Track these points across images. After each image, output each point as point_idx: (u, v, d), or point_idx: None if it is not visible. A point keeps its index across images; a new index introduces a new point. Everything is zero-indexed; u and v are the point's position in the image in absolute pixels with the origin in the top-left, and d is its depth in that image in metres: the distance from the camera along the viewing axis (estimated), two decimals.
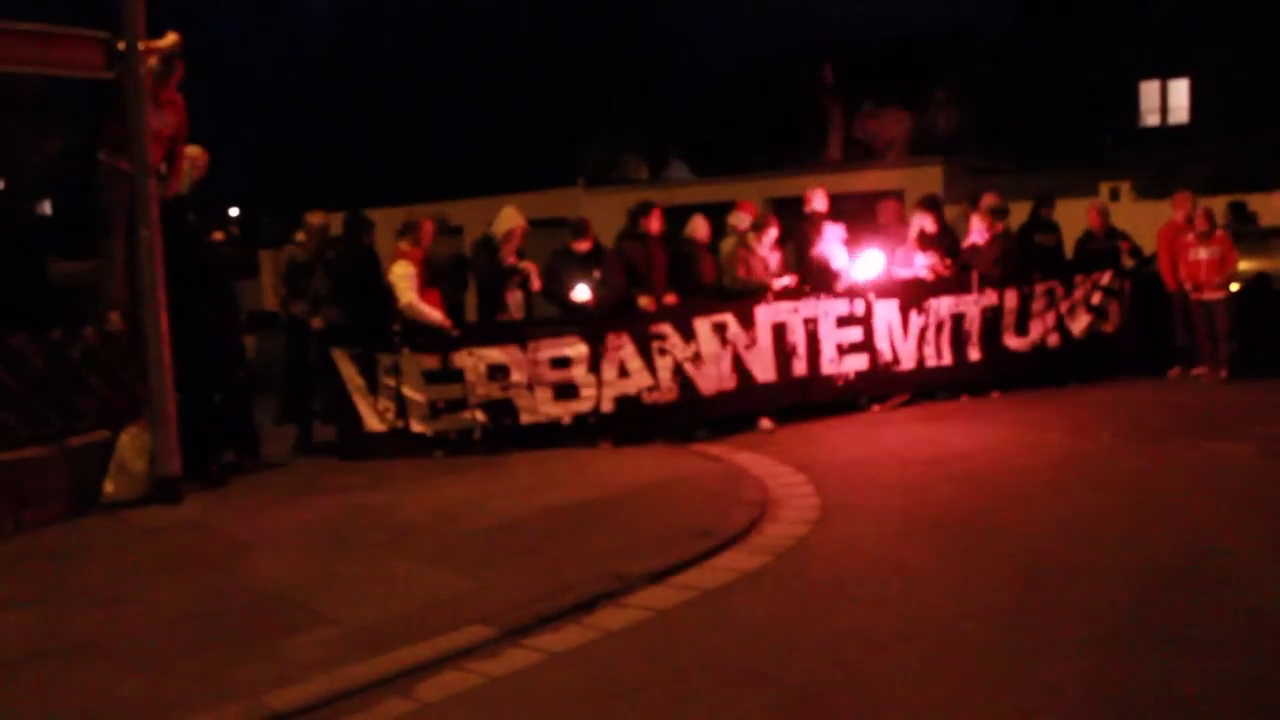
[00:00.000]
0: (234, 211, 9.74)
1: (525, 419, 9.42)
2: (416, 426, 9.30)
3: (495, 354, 9.35)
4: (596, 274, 9.99)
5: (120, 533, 7.16)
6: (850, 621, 5.18)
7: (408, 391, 9.25)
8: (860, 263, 10.94)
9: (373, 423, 9.30)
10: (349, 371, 9.26)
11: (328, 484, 8.43)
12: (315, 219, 10.04)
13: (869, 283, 10.88)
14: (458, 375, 9.32)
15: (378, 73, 38.52)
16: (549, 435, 9.40)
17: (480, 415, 9.36)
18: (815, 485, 7.84)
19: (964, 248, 11.77)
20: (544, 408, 9.47)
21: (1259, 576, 5.61)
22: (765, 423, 10.21)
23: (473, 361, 9.31)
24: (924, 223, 11.65)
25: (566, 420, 9.52)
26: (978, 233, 11.77)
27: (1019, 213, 12.81)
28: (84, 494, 7.58)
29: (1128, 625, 5.00)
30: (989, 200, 12.18)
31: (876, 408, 10.86)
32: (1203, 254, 11.71)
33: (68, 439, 7.63)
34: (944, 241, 11.67)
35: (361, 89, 38.46)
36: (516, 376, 9.37)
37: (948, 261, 11.42)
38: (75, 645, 5.14)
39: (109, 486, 7.71)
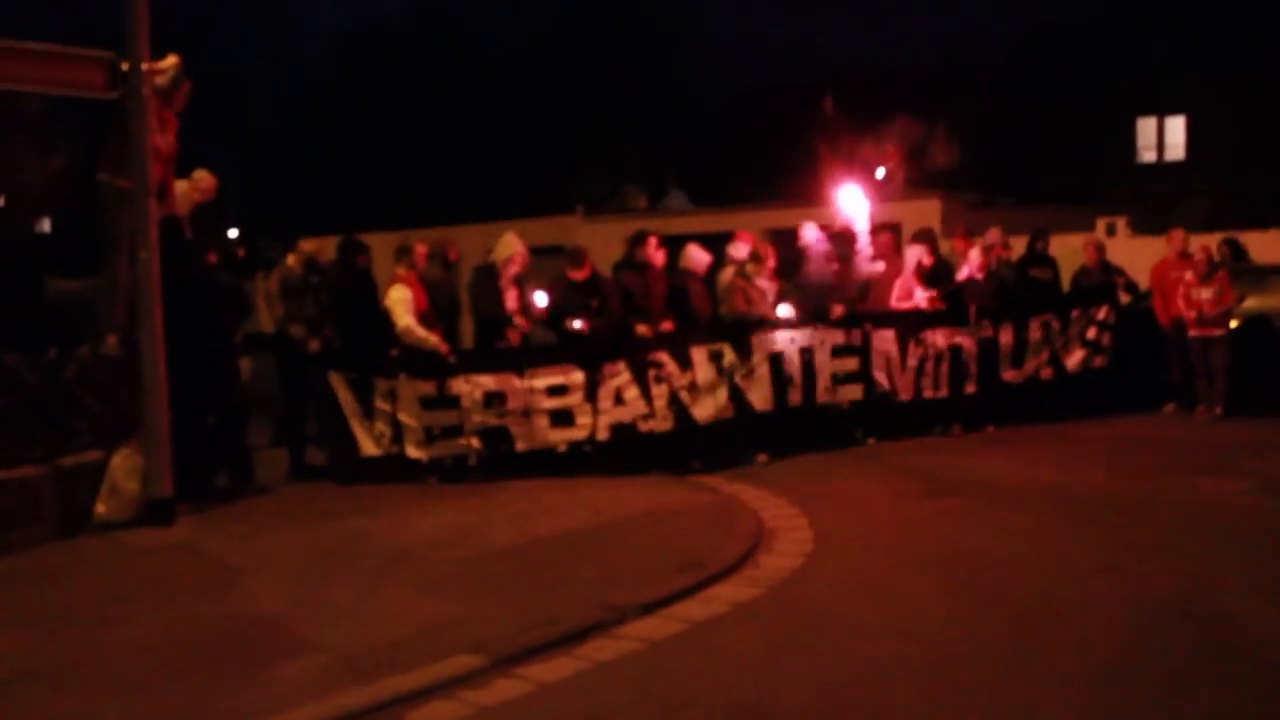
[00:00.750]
0: (233, 233, 9.76)
1: (521, 446, 9.39)
2: (412, 452, 9.28)
3: (491, 381, 9.33)
4: (594, 303, 10.00)
5: (110, 555, 7.12)
6: (842, 655, 5.14)
7: (403, 417, 9.23)
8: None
9: (368, 447, 9.28)
10: (345, 395, 9.25)
11: (320, 509, 8.39)
12: (308, 245, 10.07)
13: (867, 312, 10.89)
14: (454, 402, 9.30)
15: (380, 101, 38.69)
16: (544, 463, 9.37)
17: (475, 442, 9.34)
18: (809, 518, 7.81)
19: (961, 281, 11.79)
20: (540, 435, 9.44)
21: (1255, 614, 5.59)
22: (761, 456, 10.20)
23: (469, 388, 9.29)
24: (920, 255, 11.68)
25: (562, 448, 9.49)
26: (974, 266, 11.80)
27: (1016, 247, 12.87)
28: (75, 515, 7.54)
29: (1124, 662, 4.97)
30: (989, 235, 12.24)
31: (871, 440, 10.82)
32: (1204, 293, 11.73)
33: (60, 459, 7.60)
34: (940, 274, 11.71)
35: (365, 115, 38.64)
36: (513, 404, 9.35)
37: (936, 294, 11.42)
38: (61, 669, 5.09)
39: (100, 507, 7.67)
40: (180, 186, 9.22)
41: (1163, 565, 6.48)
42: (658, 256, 10.57)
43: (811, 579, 6.43)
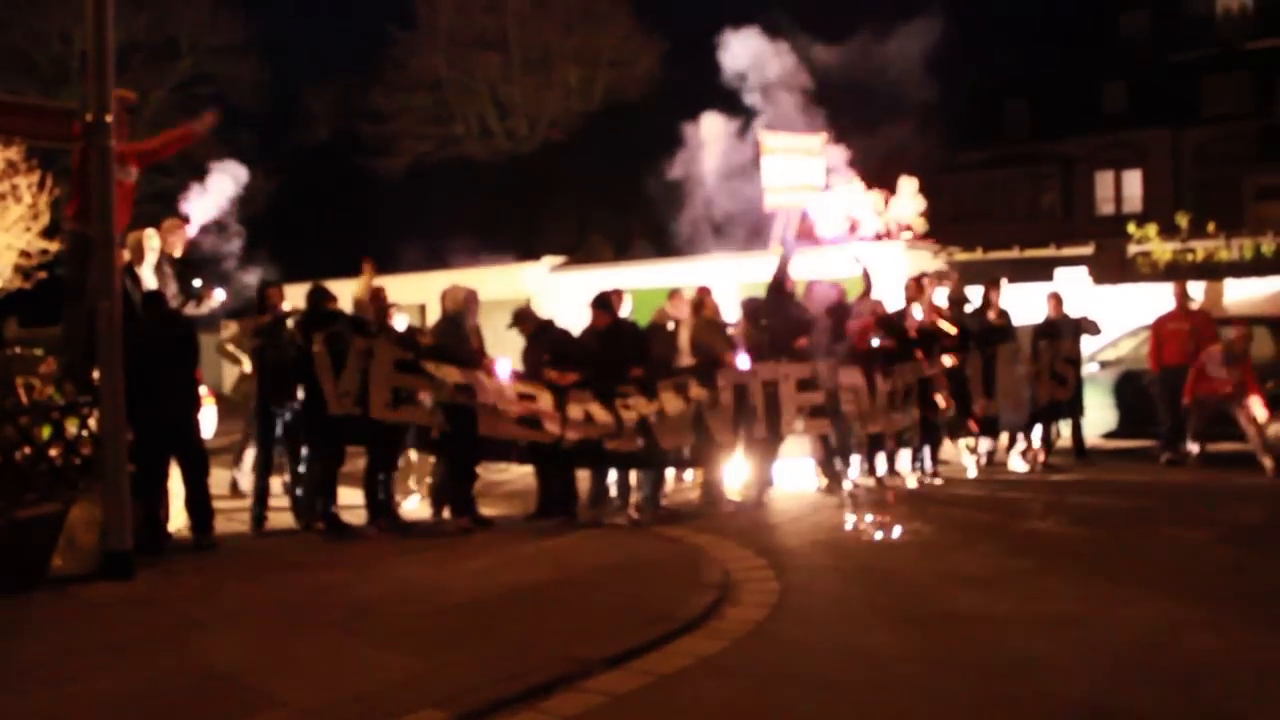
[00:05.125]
0: (197, 283, 9.65)
1: (484, 430, 9.43)
2: (377, 413, 9.21)
3: (463, 375, 9.41)
4: (546, 357, 10.03)
5: (67, 609, 6.99)
6: (808, 709, 5.13)
7: (374, 375, 9.17)
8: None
9: (333, 405, 9.18)
10: (319, 350, 9.14)
11: (283, 562, 8.31)
12: (275, 294, 10.01)
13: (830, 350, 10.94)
14: (427, 375, 9.34)
15: (345, 147, 38.77)
16: (507, 451, 9.66)
17: (440, 414, 9.40)
18: (775, 569, 7.82)
19: (915, 327, 11.88)
20: (504, 429, 9.51)
21: (1222, 665, 5.64)
22: (727, 505, 10.21)
23: (443, 373, 9.35)
24: (876, 305, 11.80)
25: (525, 443, 9.63)
26: (925, 311, 11.93)
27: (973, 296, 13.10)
28: (32, 568, 7.40)
29: (1092, 716, 4.99)
30: (945, 283, 12.48)
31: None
32: (1223, 372, 11.77)
33: (16, 511, 7.47)
34: (896, 322, 11.81)
35: (330, 162, 38.69)
36: (482, 397, 9.41)
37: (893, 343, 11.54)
38: None
39: (58, 561, 7.55)
40: (145, 233, 9.26)
41: (1133, 616, 6.52)
42: (618, 312, 10.62)
43: (777, 632, 6.42)
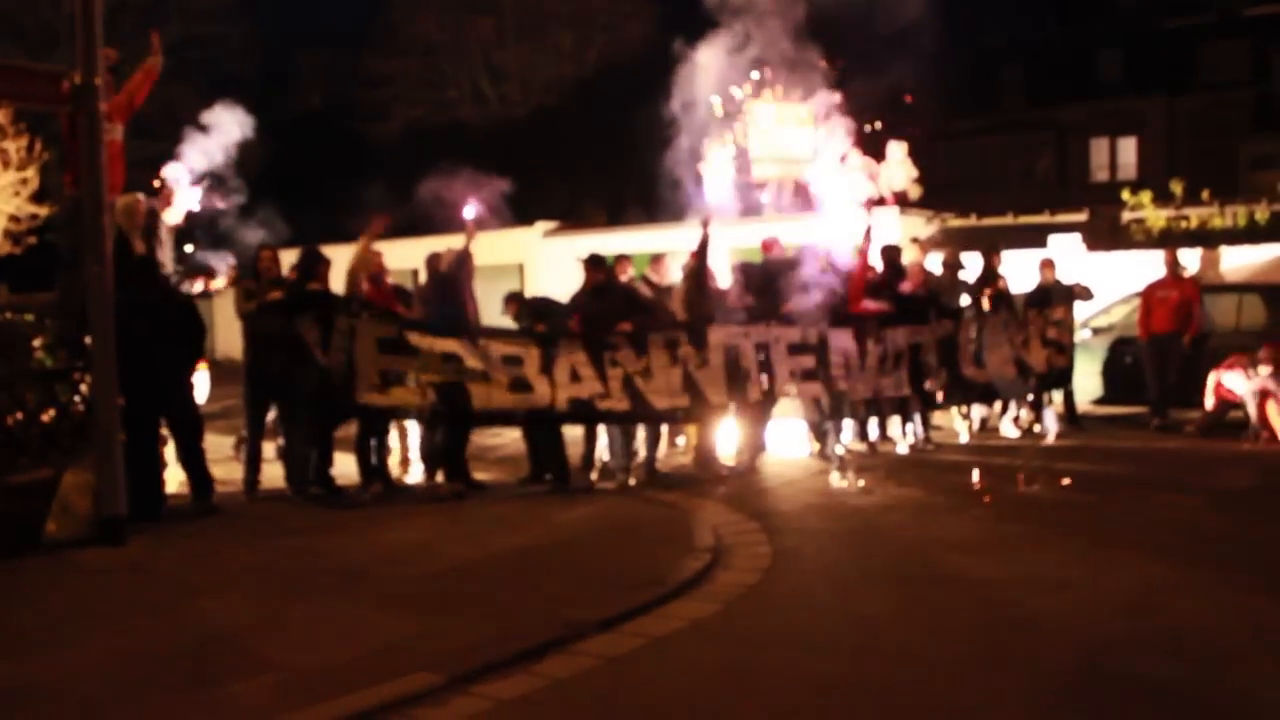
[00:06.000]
0: (189, 248, 9.60)
1: (478, 403, 9.42)
2: (364, 397, 9.15)
3: (447, 344, 9.39)
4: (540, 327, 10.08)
5: (61, 574, 7.01)
6: (800, 671, 5.17)
7: (359, 357, 9.11)
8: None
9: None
10: (308, 324, 9.10)
11: (276, 527, 8.33)
12: (269, 256, 9.94)
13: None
14: (412, 350, 9.29)
15: (337, 111, 38.52)
16: (502, 419, 9.76)
17: (431, 394, 9.32)
18: (767, 533, 7.85)
19: (903, 293, 11.84)
20: (498, 398, 9.48)
21: (1206, 630, 5.68)
22: (720, 469, 10.24)
23: (426, 343, 9.31)
24: (870, 269, 11.75)
25: (521, 411, 9.61)
26: (915, 282, 11.87)
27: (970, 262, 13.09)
28: (25, 534, 7.41)
29: (1082, 677, 5.03)
30: (940, 251, 12.48)
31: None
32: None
33: (9, 476, 7.47)
34: (884, 287, 11.77)
35: (321, 127, 38.45)
36: (471, 363, 9.39)
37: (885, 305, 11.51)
38: (10, 691, 5.00)
39: (51, 526, 7.55)
40: (138, 198, 9.18)
41: (1122, 580, 6.56)
42: (613, 276, 10.64)
43: (769, 595, 6.46)
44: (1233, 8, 38.46)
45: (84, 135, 7.66)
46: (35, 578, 6.94)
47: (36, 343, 8.34)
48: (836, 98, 11.49)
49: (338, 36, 39.92)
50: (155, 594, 6.54)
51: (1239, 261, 15.61)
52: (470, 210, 10.04)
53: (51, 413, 7.78)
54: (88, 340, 7.72)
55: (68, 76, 7.61)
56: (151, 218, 9.30)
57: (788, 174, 11.76)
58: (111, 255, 7.67)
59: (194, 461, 8.70)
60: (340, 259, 9.79)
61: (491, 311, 10.90)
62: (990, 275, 12.72)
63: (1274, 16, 37.16)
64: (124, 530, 7.58)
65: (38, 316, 8.66)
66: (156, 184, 9.53)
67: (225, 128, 9.67)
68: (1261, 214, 17.11)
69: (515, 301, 10.65)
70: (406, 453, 10.79)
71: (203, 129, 9.65)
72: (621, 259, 10.85)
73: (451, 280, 10.05)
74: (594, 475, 10.16)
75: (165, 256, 9.36)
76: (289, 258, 9.93)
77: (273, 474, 9.69)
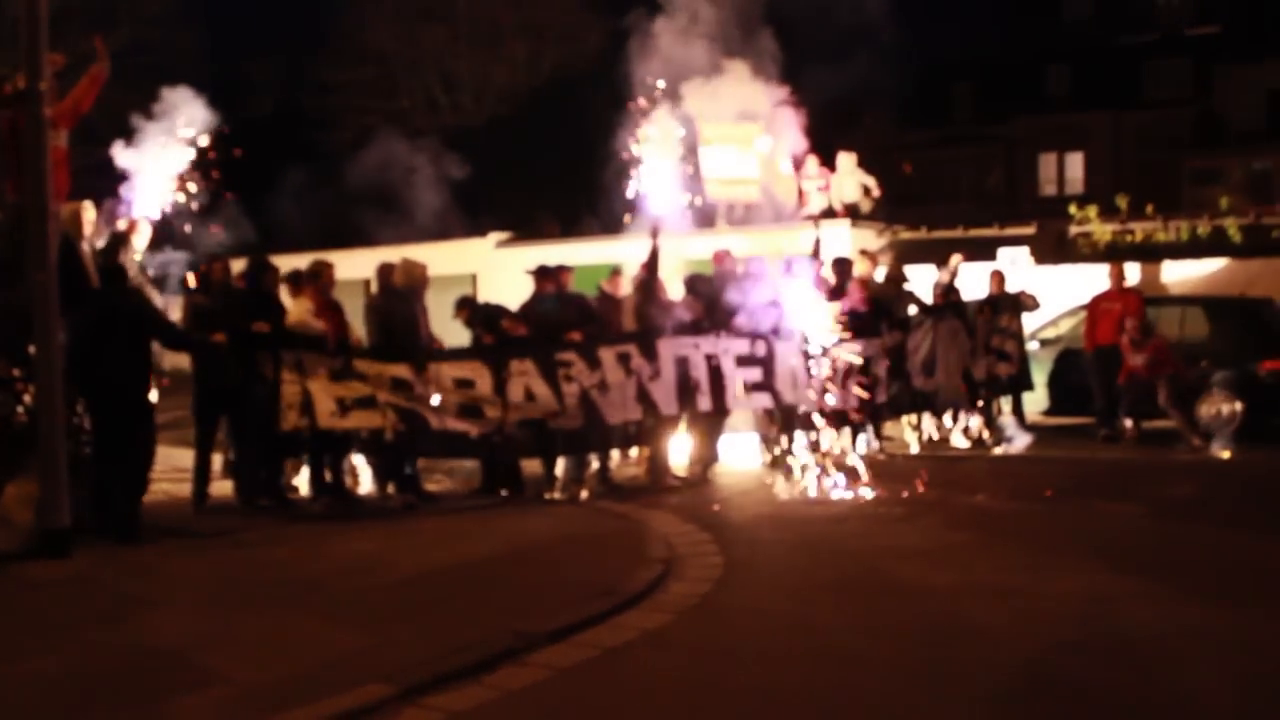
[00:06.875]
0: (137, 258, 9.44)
1: (435, 425, 9.34)
2: (325, 423, 8.97)
3: (395, 369, 9.28)
4: (487, 339, 10.06)
5: (2, 588, 6.88)
6: (751, 681, 5.19)
7: (313, 386, 8.94)
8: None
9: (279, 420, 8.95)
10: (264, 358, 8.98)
11: (226, 539, 8.22)
12: (219, 268, 9.84)
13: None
14: (363, 375, 9.18)
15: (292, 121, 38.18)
16: (459, 445, 9.58)
17: (391, 415, 9.19)
18: (719, 543, 7.87)
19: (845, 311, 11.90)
20: (450, 423, 9.40)
21: (1150, 636, 5.78)
22: (672, 481, 10.26)
23: (375, 371, 9.20)
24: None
25: (474, 434, 9.53)
26: (855, 300, 11.90)
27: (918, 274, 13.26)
28: None
29: (1028, 684, 5.10)
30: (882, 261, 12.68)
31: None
32: (1138, 359, 12.03)
33: None
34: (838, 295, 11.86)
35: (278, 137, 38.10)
36: (419, 390, 9.30)
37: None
38: None
39: None
40: (83, 205, 9.02)
41: (1068, 588, 6.65)
42: (563, 286, 10.65)
43: (721, 605, 6.48)
44: (1176, 27, 39.30)
45: (28, 141, 7.55)
46: None
47: None
48: (789, 111, 11.56)
49: (290, 44, 39.54)
50: (99, 607, 6.43)
51: (1181, 275, 15.91)
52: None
53: None
54: (31, 349, 7.59)
55: (11, 81, 7.50)
56: (118, 239, 9.15)
57: (738, 196, 11.85)
58: (55, 263, 7.55)
59: (144, 474, 8.40)
60: (287, 266, 9.70)
61: (442, 320, 10.81)
62: (950, 285, 12.92)
63: (1215, 36, 38.03)
64: (68, 543, 7.44)
65: None
66: (122, 224, 9.37)
67: (180, 118, 9.58)
68: (1203, 229, 17.45)
69: (466, 307, 10.58)
70: (353, 465, 10.68)
71: (151, 117, 9.56)
72: (563, 269, 10.81)
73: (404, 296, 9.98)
74: (556, 494, 10.09)
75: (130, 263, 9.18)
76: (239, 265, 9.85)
77: (222, 486, 9.58)
